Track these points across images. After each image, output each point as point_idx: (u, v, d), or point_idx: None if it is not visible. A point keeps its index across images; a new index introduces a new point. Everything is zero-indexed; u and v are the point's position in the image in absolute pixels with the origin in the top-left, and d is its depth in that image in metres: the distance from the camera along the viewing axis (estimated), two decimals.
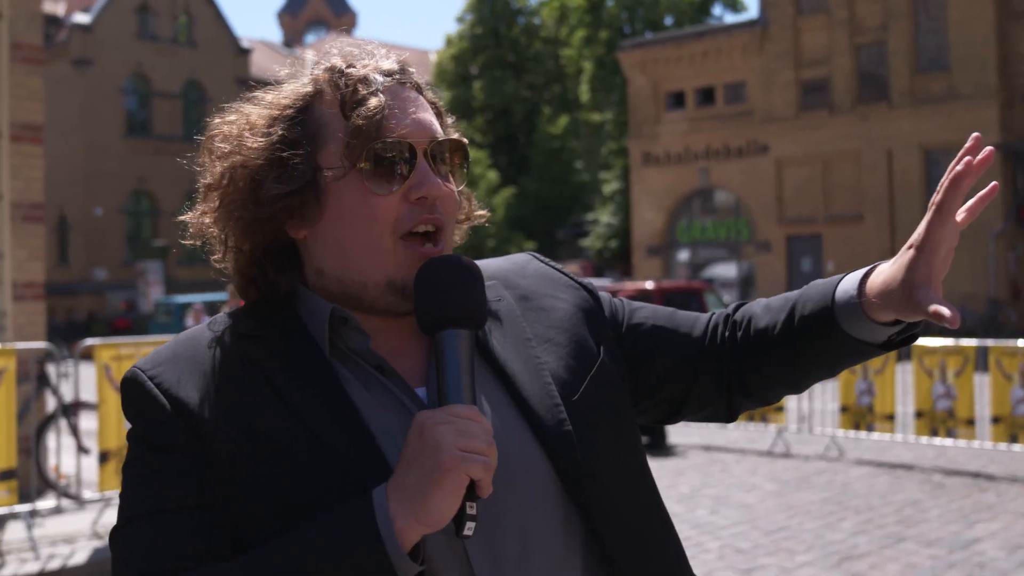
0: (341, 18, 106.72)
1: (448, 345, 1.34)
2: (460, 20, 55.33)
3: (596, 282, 26.78)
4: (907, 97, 34.42)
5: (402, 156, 1.44)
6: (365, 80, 1.47)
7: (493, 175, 47.73)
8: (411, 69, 1.54)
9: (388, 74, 1.50)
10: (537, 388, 1.47)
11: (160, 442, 1.39)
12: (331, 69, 1.50)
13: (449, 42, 55.34)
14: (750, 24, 38.73)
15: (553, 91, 55.33)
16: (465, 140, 1.53)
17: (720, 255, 40.11)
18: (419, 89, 1.54)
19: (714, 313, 1.67)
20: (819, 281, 1.57)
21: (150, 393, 1.41)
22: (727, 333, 1.64)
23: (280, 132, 1.46)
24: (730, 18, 49.20)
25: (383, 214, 1.43)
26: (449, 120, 1.57)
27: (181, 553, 1.33)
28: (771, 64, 37.46)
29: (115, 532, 1.39)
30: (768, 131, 37.44)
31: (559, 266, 1.70)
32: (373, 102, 1.44)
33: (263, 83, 1.57)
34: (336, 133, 1.45)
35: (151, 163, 52.39)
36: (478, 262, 1.57)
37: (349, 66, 1.49)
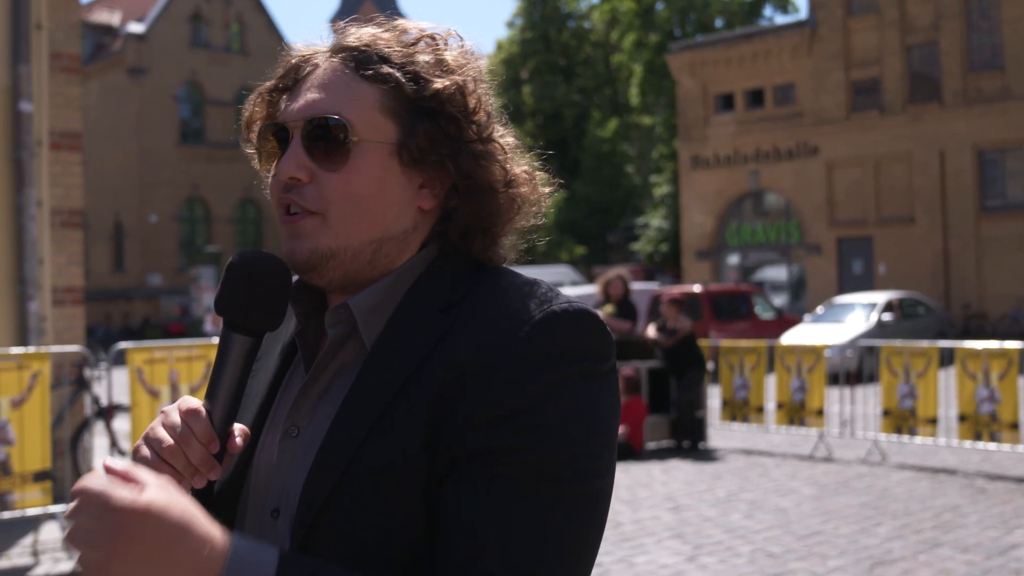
0: None
1: (223, 345, 1.34)
2: (510, 25, 55.47)
3: (645, 286, 26.62)
4: (960, 97, 33.91)
5: (281, 137, 1.41)
6: (291, 67, 1.48)
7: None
8: (366, 41, 1.46)
9: (331, 53, 1.48)
10: (344, 432, 1.31)
11: None
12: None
13: (499, 47, 55.46)
14: (799, 25, 38.28)
15: (603, 95, 55.28)
16: (335, 116, 1.36)
17: (770, 258, 39.73)
18: (360, 63, 1.42)
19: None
20: None
21: None
22: None
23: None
24: (780, 19, 48.86)
25: (271, 193, 1.43)
26: (411, 88, 1.39)
27: None
28: (821, 65, 37.08)
29: None
30: (818, 133, 37.05)
31: (545, 336, 1.31)
32: (270, 86, 1.48)
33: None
34: None
35: (205, 170, 53.11)
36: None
37: (297, 51, 1.51)
